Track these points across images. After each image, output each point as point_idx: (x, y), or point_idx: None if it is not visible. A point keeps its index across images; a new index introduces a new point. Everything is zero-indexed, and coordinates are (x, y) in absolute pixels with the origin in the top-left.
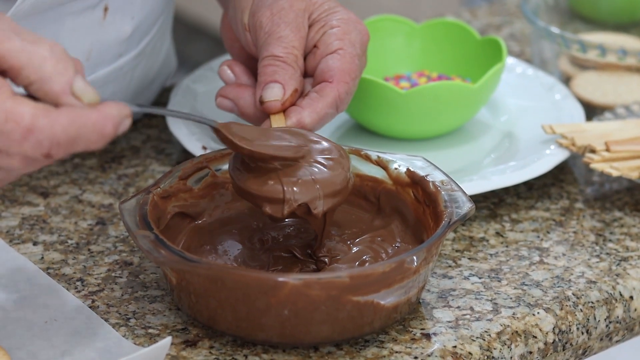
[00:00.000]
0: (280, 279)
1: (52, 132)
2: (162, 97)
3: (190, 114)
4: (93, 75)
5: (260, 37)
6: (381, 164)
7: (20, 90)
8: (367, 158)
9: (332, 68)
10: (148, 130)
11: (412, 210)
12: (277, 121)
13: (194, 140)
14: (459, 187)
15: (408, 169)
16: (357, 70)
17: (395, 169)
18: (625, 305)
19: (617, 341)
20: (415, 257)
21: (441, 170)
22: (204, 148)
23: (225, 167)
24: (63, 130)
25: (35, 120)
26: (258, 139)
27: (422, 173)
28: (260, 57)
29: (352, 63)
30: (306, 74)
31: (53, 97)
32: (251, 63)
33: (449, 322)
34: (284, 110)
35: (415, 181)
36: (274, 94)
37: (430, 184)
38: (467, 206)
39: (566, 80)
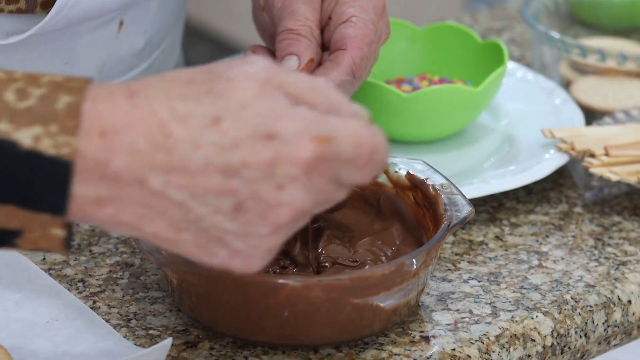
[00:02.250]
0: (280, 281)
1: (383, 149)
2: None
3: None
4: None
5: (275, 15)
6: None
7: None
8: None
9: (345, 36)
10: None
11: (412, 214)
12: None
13: None
14: (459, 190)
15: (408, 172)
16: (371, 35)
17: (395, 172)
18: (623, 310)
19: (615, 345)
20: (414, 260)
21: (441, 174)
22: None
23: None
24: (384, 142)
25: (375, 139)
26: None
27: (422, 176)
28: (277, 34)
29: (365, 28)
30: (325, 47)
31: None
32: None
33: (448, 325)
34: None
35: (415, 184)
36: (290, 65)
37: (430, 187)
38: (466, 209)
39: (566, 84)
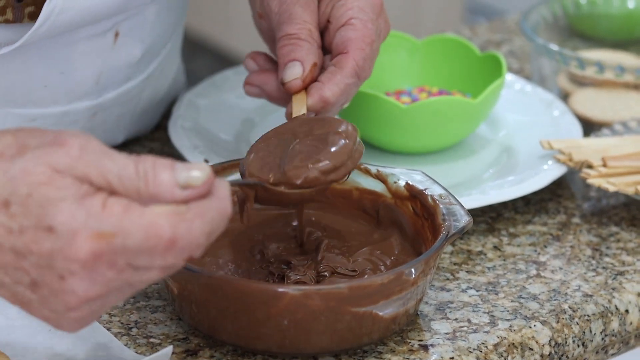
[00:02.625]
0: (280, 290)
1: (193, 236)
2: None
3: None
4: (101, 98)
5: (272, 20)
6: (380, 177)
7: None
8: (367, 172)
9: (346, 39)
10: (151, 143)
11: (411, 224)
12: (298, 100)
13: (196, 154)
14: (457, 200)
15: (407, 183)
16: (371, 34)
17: (395, 182)
18: (621, 319)
19: (613, 354)
20: (413, 269)
21: (440, 184)
22: (206, 161)
23: (228, 179)
24: (201, 230)
25: (176, 230)
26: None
27: (420, 187)
28: (277, 40)
29: (365, 29)
30: (325, 51)
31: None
32: None
33: (447, 333)
34: (305, 88)
35: (414, 195)
36: (294, 72)
37: (429, 197)
38: (465, 219)
39: (565, 96)
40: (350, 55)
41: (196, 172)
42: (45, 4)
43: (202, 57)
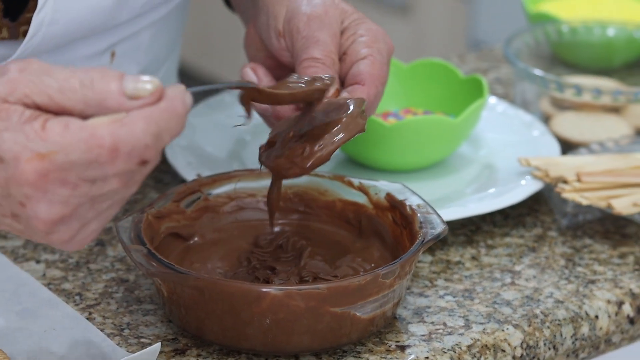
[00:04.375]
0: (263, 290)
1: (136, 139)
2: None
3: (228, 83)
4: None
5: (297, 41)
6: (363, 189)
7: None
8: (350, 184)
9: (363, 72)
10: None
11: (391, 233)
12: None
13: (190, 169)
14: (434, 210)
15: (387, 194)
16: (385, 76)
17: (376, 194)
18: (591, 324)
19: (584, 358)
20: (389, 272)
21: (418, 195)
22: (199, 175)
23: (216, 191)
24: (144, 131)
25: (116, 136)
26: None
27: (400, 197)
28: (299, 60)
29: (381, 69)
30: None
31: (116, 112)
32: (276, 71)
33: (423, 335)
34: None
35: (394, 205)
36: None
37: (408, 207)
38: (440, 227)
39: (547, 119)
40: (366, 88)
41: (145, 82)
42: (34, 14)
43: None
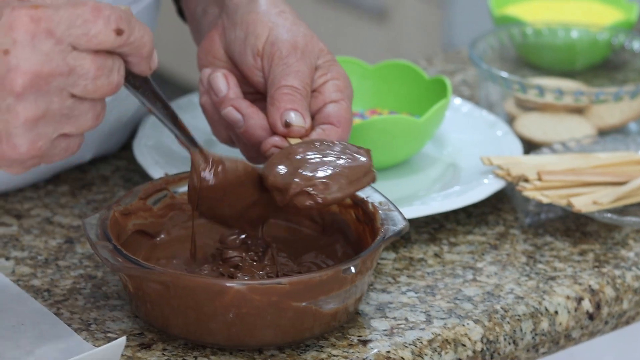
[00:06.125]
0: (226, 284)
1: (113, 7)
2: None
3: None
4: None
5: (277, 66)
6: None
7: None
8: None
9: (339, 115)
10: (118, 161)
11: (353, 230)
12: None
13: (157, 168)
14: (396, 207)
15: None
16: (352, 122)
17: None
18: (550, 319)
19: (544, 353)
20: (351, 267)
21: (380, 193)
22: (166, 174)
23: (183, 189)
24: (119, 6)
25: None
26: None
27: (362, 195)
28: (277, 85)
29: (349, 114)
30: None
31: None
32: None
33: (385, 330)
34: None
35: (356, 202)
36: (300, 121)
37: (370, 204)
38: (401, 224)
39: (511, 120)
40: (341, 131)
41: None
42: None
43: (166, 88)
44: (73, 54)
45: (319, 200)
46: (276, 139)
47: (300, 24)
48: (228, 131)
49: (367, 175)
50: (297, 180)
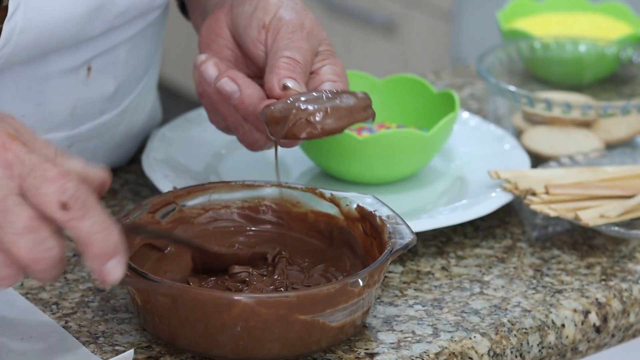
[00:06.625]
0: (233, 297)
1: (77, 184)
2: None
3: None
4: (76, 130)
5: (282, 40)
6: (334, 201)
7: None
8: (322, 196)
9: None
10: (127, 175)
11: (361, 243)
12: None
13: (166, 182)
14: (403, 221)
15: (358, 205)
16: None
17: (347, 205)
18: (557, 332)
19: None
20: (358, 280)
21: (388, 207)
22: (175, 188)
23: (191, 202)
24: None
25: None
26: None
27: (370, 209)
28: (279, 54)
29: (343, 70)
30: None
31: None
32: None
33: (392, 343)
34: None
35: (364, 216)
36: (296, 86)
37: (377, 218)
38: (409, 237)
39: (519, 134)
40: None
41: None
42: (5, 22)
43: (172, 102)
44: (17, 198)
45: (318, 127)
46: (272, 101)
47: (309, 11)
48: (225, 119)
49: (366, 110)
50: (294, 111)
